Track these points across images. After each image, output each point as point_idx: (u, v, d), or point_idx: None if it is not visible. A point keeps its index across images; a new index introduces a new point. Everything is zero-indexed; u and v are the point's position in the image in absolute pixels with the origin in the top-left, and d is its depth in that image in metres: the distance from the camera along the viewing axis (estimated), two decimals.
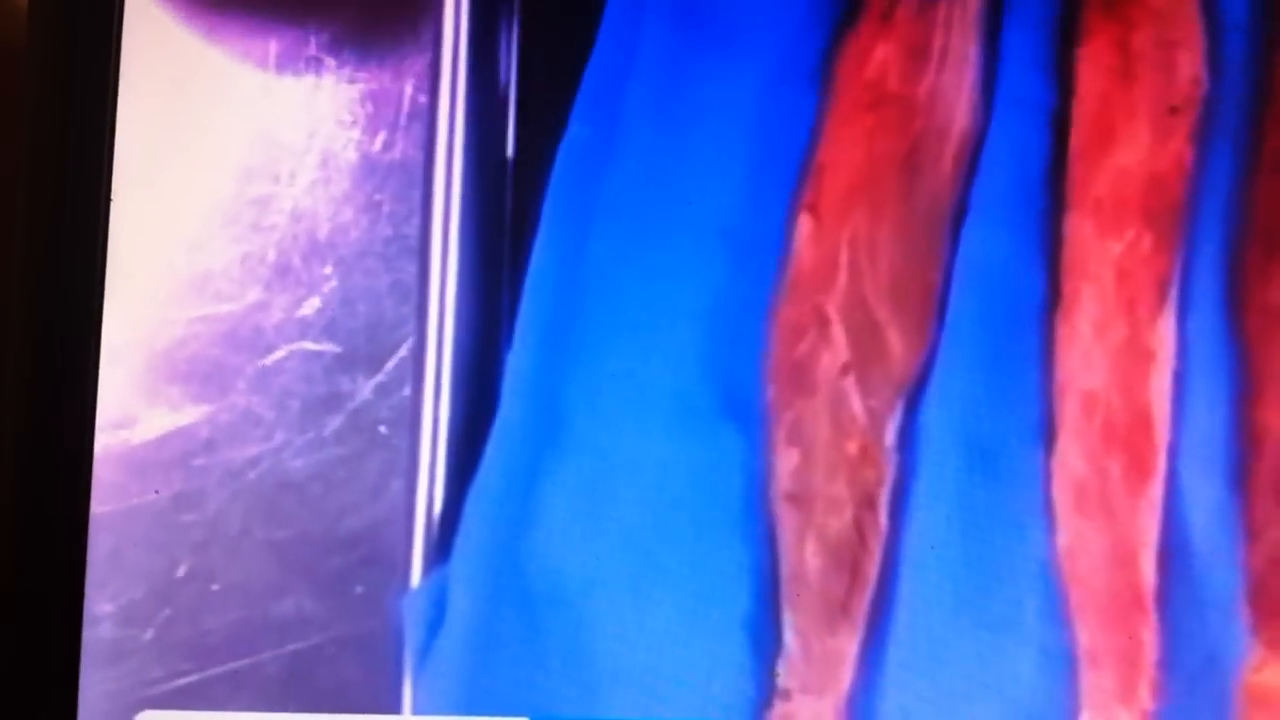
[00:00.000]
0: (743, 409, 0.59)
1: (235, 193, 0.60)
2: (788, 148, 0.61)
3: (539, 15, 0.62)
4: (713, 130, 0.61)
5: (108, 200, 0.59)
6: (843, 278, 0.60)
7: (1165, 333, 0.58)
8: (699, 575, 0.58)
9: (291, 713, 0.58)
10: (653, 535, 0.58)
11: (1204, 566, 0.57)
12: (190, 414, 0.58)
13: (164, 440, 0.58)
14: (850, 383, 0.58)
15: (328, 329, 0.59)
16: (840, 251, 0.60)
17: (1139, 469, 0.57)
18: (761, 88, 0.62)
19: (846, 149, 0.61)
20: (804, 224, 0.60)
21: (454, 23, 0.62)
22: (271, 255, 0.59)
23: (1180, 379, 0.58)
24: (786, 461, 0.58)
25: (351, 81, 0.61)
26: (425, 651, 0.58)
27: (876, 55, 0.62)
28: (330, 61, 0.61)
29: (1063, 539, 0.57)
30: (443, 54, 0.61)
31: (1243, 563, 0.57)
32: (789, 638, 0.57)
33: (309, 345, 0.59)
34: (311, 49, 0.61)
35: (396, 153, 0.60)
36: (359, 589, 0.58)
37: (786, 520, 0.58)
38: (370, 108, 0.61)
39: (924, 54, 0.62)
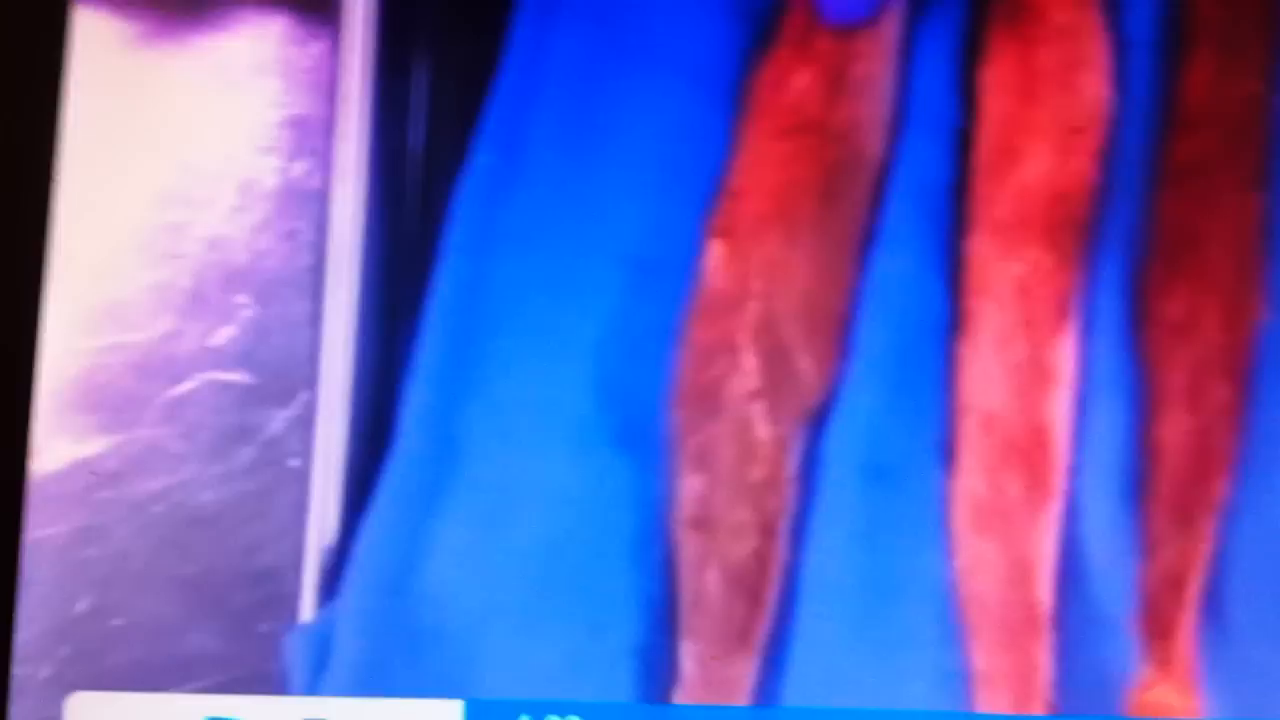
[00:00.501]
0: (644, 435, 0.59)
1: (150, 219, 0.60)
2: (699, 172, 0.61)
3: (448, 43, 0.62)
4: (622, 154, 0.61)
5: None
6: (755, 304, 0.60)
7: (1066, 352, 0.59)
8: (592, 605, 0.58)
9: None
10: (547, 566, 0.58)
11: (1099, 586, 0.57)
12: (96, 445, 0.58)
13: (68, 472, 0.58)
14: (758, 408, 0.59)
15: (241, 359, 0.59)
16: (752, 277, 0.60)
17: (1037, 488, 0.58)
18: (673, 111, 0.62)
19: (760, 175, 0.61)
20: (716, 249, 0.60)
21: (361, 48, 0.61)
22: (186, 283, 0.59)
23: (1081, 397, 0.58)
24: (690, 488, 0.59)
25: (273, 106, 0.60)
26: (310, 691, 0.58)
27: (796, 82, 0.63)
28: (251, 85, 0.60)
29: (961, 559, 0.57)
30: (350, 78, 0.61)
31: (1136, 582, 0.57)
32: (687, 666, 0.57)
33: (221, 376, 0.59)
34: (232, 72, 0.61)
35: (318, 180, 0.60)
36: (263, 627, 0.58)
37: (688, 547, 0.58)
38: (291, 133, 0.61)
39: (843, 82, 0.63)
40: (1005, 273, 0.60)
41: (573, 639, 0.58)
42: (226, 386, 0.59)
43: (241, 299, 0.59)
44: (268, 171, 0.60)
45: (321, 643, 0.58)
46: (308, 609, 0.58)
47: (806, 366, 0.59)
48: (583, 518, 0.59)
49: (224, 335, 0.59)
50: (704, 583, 0.58)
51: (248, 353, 0.59)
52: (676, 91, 0.63)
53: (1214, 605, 0.57)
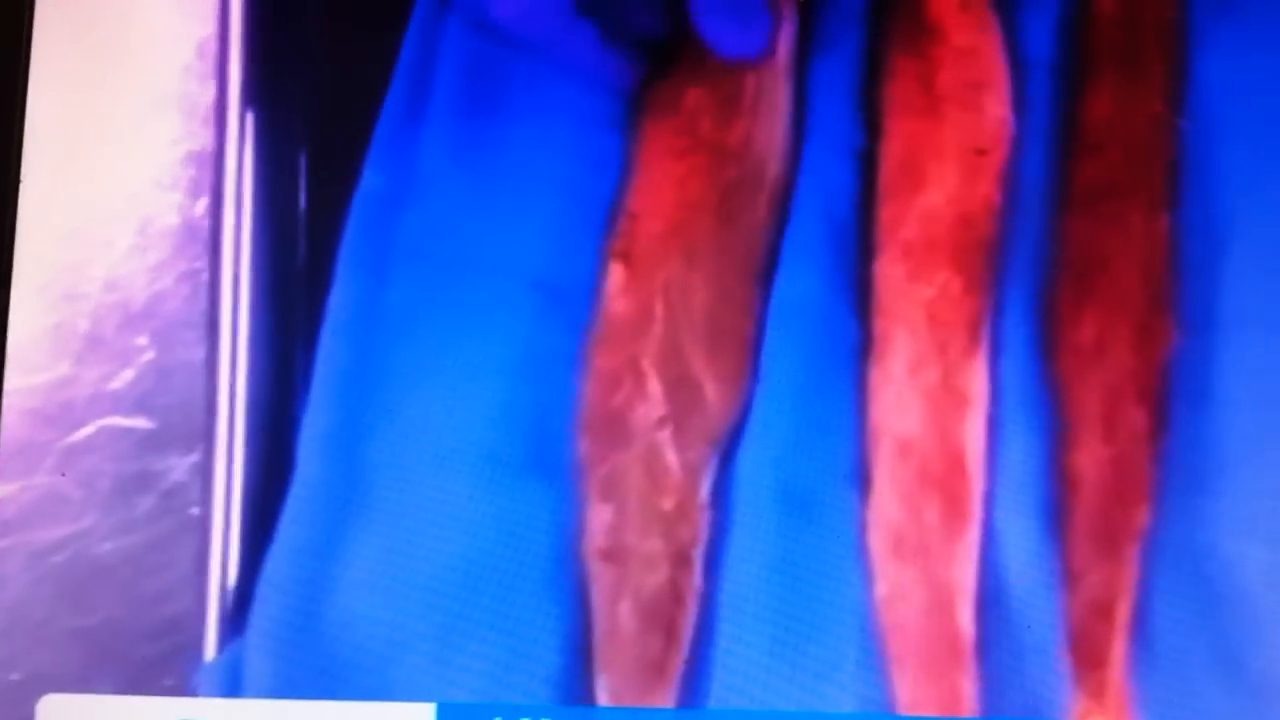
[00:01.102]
0: (553, 463, 0.58)
1: (48, 259, 0.58)
2: (596, 193, 0.61)
3: (332, 62, 0.62)
4: (516, 174, 0.60)
5: None
6: (657, 328, 0.59)
7: (978, 376, 0.58)
8: (507, 637, 0.57)
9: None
10: (458, 597, 0.57)
11: (1022, 614, 0.57)
12: None
13: None
14: (666, 436, 0.58)
15: (141, 403, 0.58)
16: (654, 301, 0.59)
17: (955, 514, 0.57)
18: (567, 131, 0.62)
19: (658, 196, 0.61)
20: (615, 272, 0.60)
21: (240, 77, 0.60)
22: (84, 326, 0.58)
23: (994, 422, 0.58)
24: (600, 517, 0.58)
25: (174, 142, 0.59)
26: None
27: (688, 101, 0.62)
28: (151, 119, 0.59)
29: (880, 587, 0.57)
30: (228, 105, 0.60)
31: (1062, 610, 0.57)
32: (602, 700, 0.56)
33: (121, 421, 0.57)
34: (132, 107, 0.59)
35: (214, 219, 0.59)
36: (168, 681, 0.57)
37: (600, 578, 0.57)
38: (192, 170, 0.59)
39: (736, 100, 0.62)
40: (914, 296, 0.59)
41: (487, 671, 0.57)
42: (126, 432, 0.57)
43: (141, 341, 0.58)
44: (168, 209, 0.59)
45: (229, 680, 0.57)
46: (210, 648, 0.57)
47: (713, 391, 0.58)
48: (495, 547, 0.58)
49: (122, 379, 0.57)
50: (617, 615, 0.57)
51: (147, 397, 0.58)
52: (570, 110, 0.62)
53: (1143, 633, 0.57)
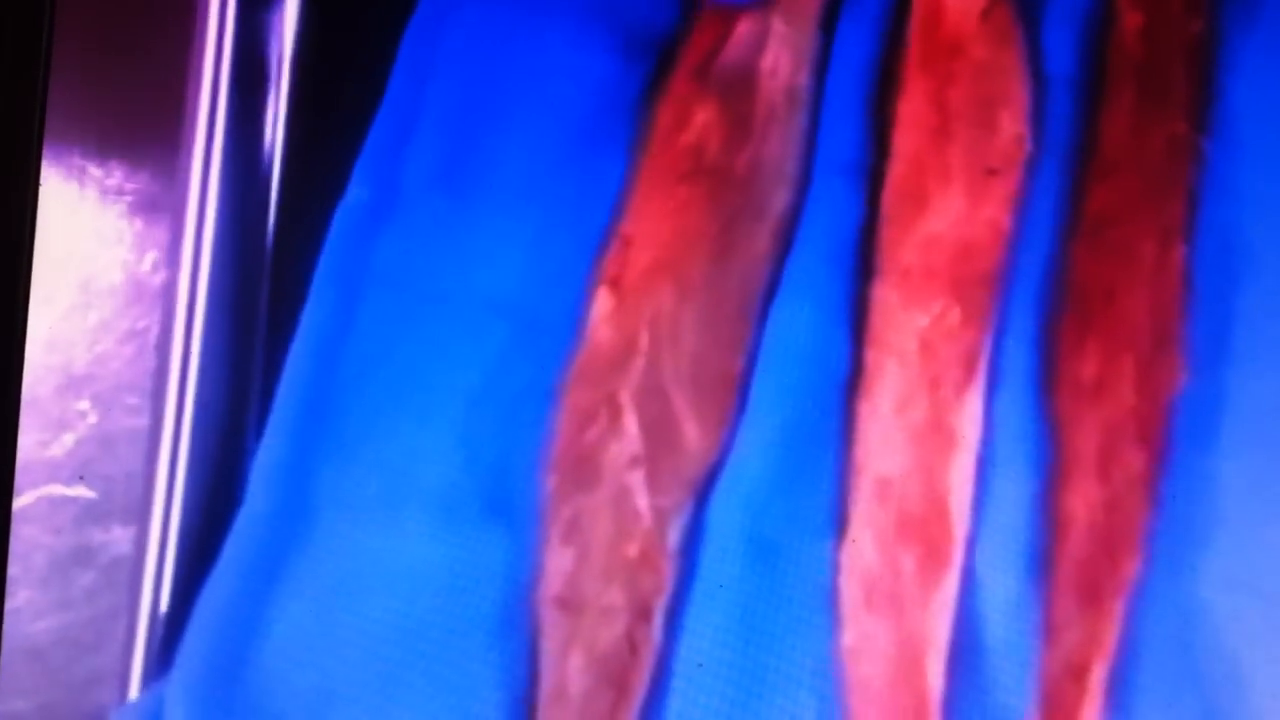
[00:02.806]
0: (513, 506, 0.57)
1: None
2: (589, 216, 0.59)
3: (306, 93, 0.60)
4: (503, 194, 0.59)
5: None
6: (640, 361, 0.57)
7: (970, 414, 0.56)
8: (445, 690, 0.56)
9: None
10: (399, 644, 0.56)
11: (995, 669, 0.54)
12: None
13: None
14: (638, 477, 0.56)
15: (81, 472, 0.57)
16: (640, 332, 0.58)
17: (934, 561, 0.55)
18: (563, 148, 0.60)
19: (655, 222, 0.59)
20: (603, 300, 0.58)
21: (208, 108, 0.59)
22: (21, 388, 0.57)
23: (985, 461, 0.56)
24: (559, 563, 0.56)
25: (120, 194, 0.58)
26: None
27: (697, 119, 0.60)
28: (95, 171, 0.58)
29: (847, 638, 0.55)
30: (194, 142, 0.59)
31: (1037, 666, 0.54)
32: None
33: (59, 490, 0.57)
34: (75, 156, 0.59)
35: (166, 274, 0.58)
36: None
37: (553, 628, 0.56)
38: (140, 224, 0.58)
39: (747, 122, 0.60)
40: (908, 325, 0.57)
41: None
42: (65, 502, 0.56)
43: (81, 406, 0.57)
44: (112, 265, 0.57)
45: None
46: (134, 686, 0.57)
47: (693, 433, 0.57)
48: (442, 592, 0.57)
49: (61, 446, 0.56)
50: (567, 669, 0.56)
51: (87, 465, 0.56)
52: (571, 124, 0.60)
53: (1120, 696, 0.54)
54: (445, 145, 0.60)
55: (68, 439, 0.56)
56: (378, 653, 0.56)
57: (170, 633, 0.56)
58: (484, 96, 0.60)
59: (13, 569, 0.56)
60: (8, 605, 0.54)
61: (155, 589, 0.56)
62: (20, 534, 0.56)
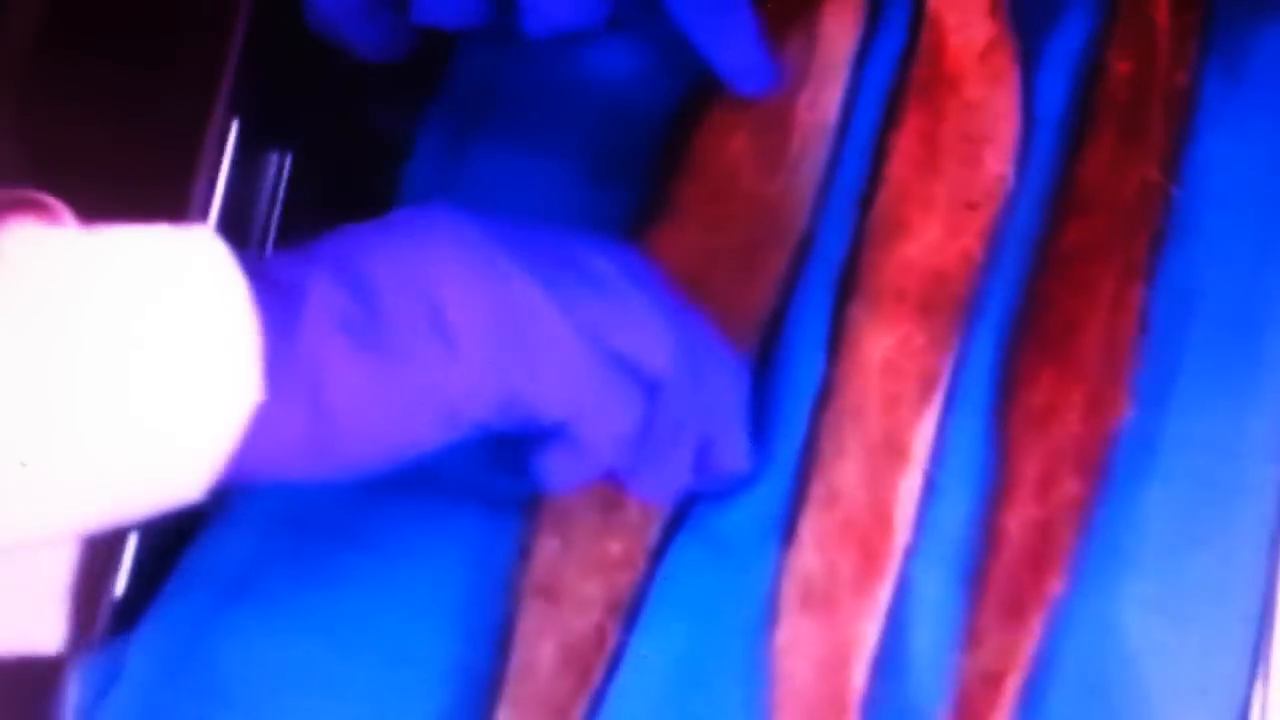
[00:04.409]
0: (496, 488, 0.59)
1: None
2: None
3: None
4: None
5: None
6: None
7: (924, 433, 0.58)
8: (395, 669, 0.58)
9: None
10: (358, 622, 0.58)
11: (916, 673, 0.56)
12: None
13: None
14: None
15: None
16: None
17: (870, 569, 0.57)
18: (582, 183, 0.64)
19: (683, 239, 0.62)
20: None
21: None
22: None
23: (931, 478, 0.57)
24: (544, 552, 0.58)
25: None
26: (90, 717, 0.57)
27: (731, 144, 0.63)
28: None
29: (780, 636, 0.57)
30: None
31: (955, 672, 0.56)
32: None
33: None
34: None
35: None
36: None
37: (529, 614, 0.58)
38: None
39: (781, 152, 0.62)
40: (875, 344, 0.59)
41: (368, 703, 0.58)
42: None
43: None
44: None
45: (108, 676, 0.58)
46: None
47: None
48: (411, 570, 0.59)
49: None
50: (537, 653, 0.57)
51: None
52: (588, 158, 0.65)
53: (1032, 704, 0.56)
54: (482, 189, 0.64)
55: None
56: (336, 628, 0.58)
57: (139, 589, 0.59)
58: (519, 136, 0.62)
59: None
60: None
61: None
62: None
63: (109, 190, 0.55)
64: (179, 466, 0.43)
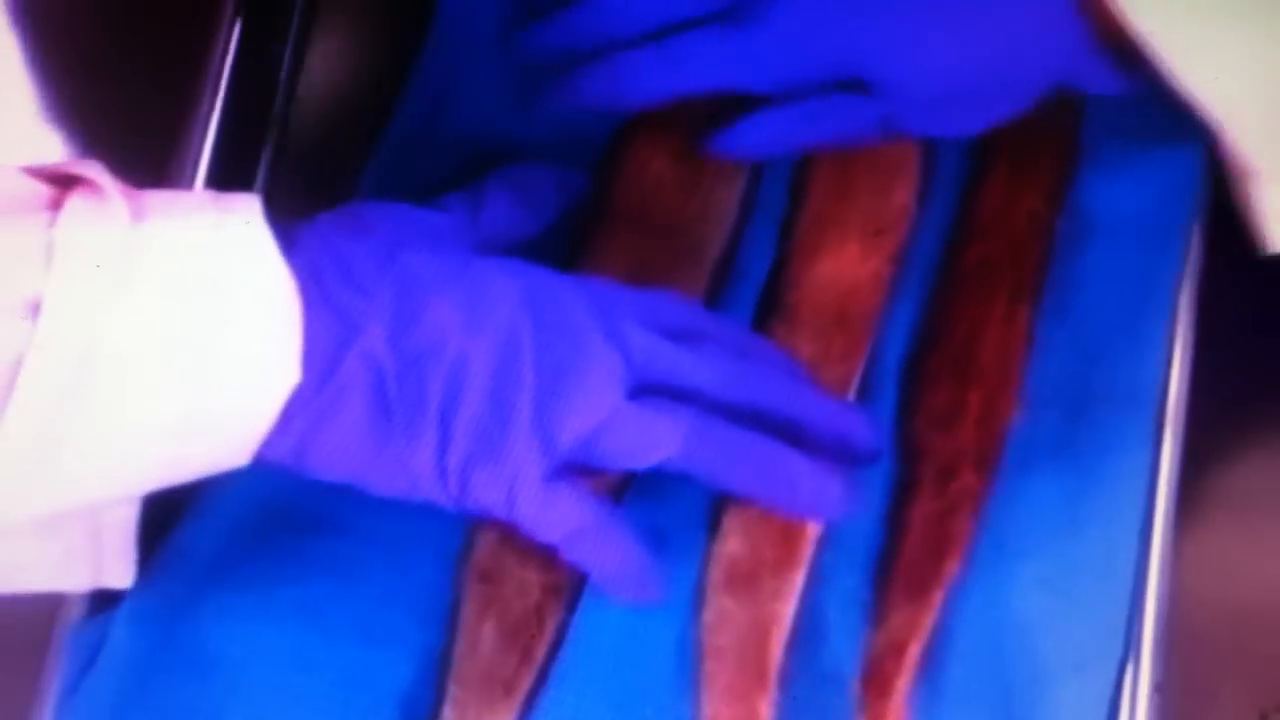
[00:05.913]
0: None
1: None
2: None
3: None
4: None
5: None
6: None
7: None
8: (366, 649, 0.61)
9: None
10: (324, 602, 0.61)
11: (830, 647, 0.61)
12: None
13: None
14: None
15: None
16: None
17: (788, 554, 0.62)
18: None
19: (610, 262, 0.66)
20: None
21: None
22: None
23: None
24: (487, 539, 0.62)
25: None
26: (72, 691, 0.60)
27: (652, 169, 0.67)
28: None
29: (708, 615, 0.62)
30: None
31: (865, 644, 0.61)
32: (447, 711, 0.60)
33: None
34: None
35: None
36: None
37: (473, 597, 0.61)
38: None
39: (697, 178, 0.67)
40: (794, 355, 0.63)
41: (343, 678, 0.61)
42: None
43: None
44: None
45: (93, 646, 0.61)
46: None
47: None
48: (380, 556, 0.62)
49: None
50: (480, 633, 0.61)
51: None
52: None
53: (932, 670, 0.61)
54: None
55: None
56: (306, 607, 0.61)
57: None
58: None
59: None
60: None
61: None
62: None
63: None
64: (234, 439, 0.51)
